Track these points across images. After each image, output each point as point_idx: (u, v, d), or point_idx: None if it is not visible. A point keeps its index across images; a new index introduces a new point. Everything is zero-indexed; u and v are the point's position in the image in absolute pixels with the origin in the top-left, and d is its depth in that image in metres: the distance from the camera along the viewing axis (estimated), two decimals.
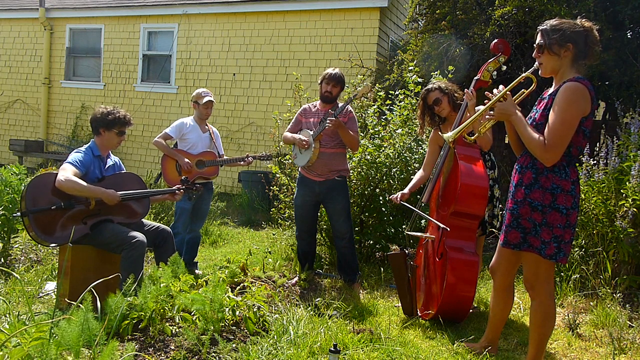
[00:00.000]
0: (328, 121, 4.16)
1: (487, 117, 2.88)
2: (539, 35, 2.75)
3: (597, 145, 5.83)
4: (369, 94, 4.87)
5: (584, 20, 2.71)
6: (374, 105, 5.52)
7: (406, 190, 4.10)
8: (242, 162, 4.94)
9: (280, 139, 6.02)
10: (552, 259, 2.72)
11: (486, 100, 2.86)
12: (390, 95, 5.64)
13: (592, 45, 2.69)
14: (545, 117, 2.69)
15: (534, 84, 2.81)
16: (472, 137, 3.16)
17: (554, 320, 2.85)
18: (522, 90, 2.90)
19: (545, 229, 2.70)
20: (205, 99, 4.90)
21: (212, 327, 2.94)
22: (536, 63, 2.79)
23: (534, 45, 2.79)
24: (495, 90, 2.84)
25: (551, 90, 2.78)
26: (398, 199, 4.06)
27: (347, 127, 4.32)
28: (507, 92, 2.79)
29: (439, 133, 3.99)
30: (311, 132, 4.38)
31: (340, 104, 4.44)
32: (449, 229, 3.55)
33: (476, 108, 3.57)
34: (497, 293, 3.11)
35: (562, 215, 2.69)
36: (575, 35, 2.66)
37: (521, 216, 2.75)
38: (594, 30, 2.69)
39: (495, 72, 3.68)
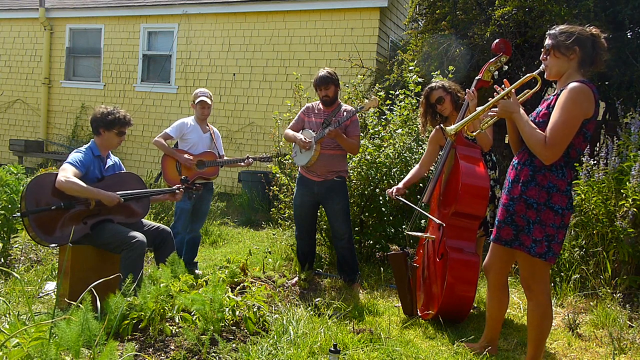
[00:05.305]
0: (327, 131, 4.19)
1: (490, 114, 2.90)
2: (547, 38, 2.77)
3: (597, 145, 5.83)
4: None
5: (592, 27, 2.74)
6: None
7: (400, 185, 4.07)
8: (242, 163, 4.94)
9: (280, 139, 6.03)
10: (541, 257, 2.72)
11: (490, 98, 2.87)
12: (390, 95, 5.64)
13: (599, 52, 2.69)
14: (547, 116, 2.70)
15: (538, 85, 2.82)
16: (473, 134, 3.18)
17: (552, 320, 2.86)
18: (527, 90, 2.90)
19: (537, 227, 2.71)
20: (199, 99, 4.89)
21: (212, 327, 2.94)
22: (542, 65, 2.79)
23: (542, 48, 2.80)
24: (499, 88, 2.86)
25: (555, 90, 2.79)
26: (393, 194, 4.03)
27: (349, 130, 4.33)
28: (512, 91, 2.80)
29: (441, 126, 3.95)
30: (314, 134, 4.37)
31: (343, 107, 4.43)
32: (444, 225, 3.55)
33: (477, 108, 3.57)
34: (491, 292, 3.12)
35: (556, 215, 2.70)
36: (582, 40, 2.67)
37: (516, 213, 2.76)
38: (602, 37, 2.70)
39: (496, 72, 3.69)
